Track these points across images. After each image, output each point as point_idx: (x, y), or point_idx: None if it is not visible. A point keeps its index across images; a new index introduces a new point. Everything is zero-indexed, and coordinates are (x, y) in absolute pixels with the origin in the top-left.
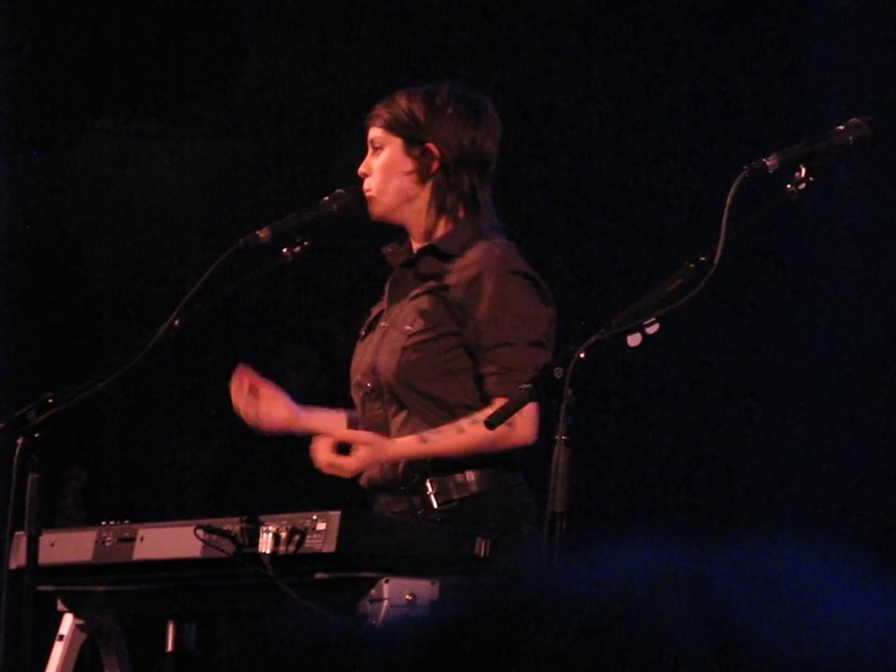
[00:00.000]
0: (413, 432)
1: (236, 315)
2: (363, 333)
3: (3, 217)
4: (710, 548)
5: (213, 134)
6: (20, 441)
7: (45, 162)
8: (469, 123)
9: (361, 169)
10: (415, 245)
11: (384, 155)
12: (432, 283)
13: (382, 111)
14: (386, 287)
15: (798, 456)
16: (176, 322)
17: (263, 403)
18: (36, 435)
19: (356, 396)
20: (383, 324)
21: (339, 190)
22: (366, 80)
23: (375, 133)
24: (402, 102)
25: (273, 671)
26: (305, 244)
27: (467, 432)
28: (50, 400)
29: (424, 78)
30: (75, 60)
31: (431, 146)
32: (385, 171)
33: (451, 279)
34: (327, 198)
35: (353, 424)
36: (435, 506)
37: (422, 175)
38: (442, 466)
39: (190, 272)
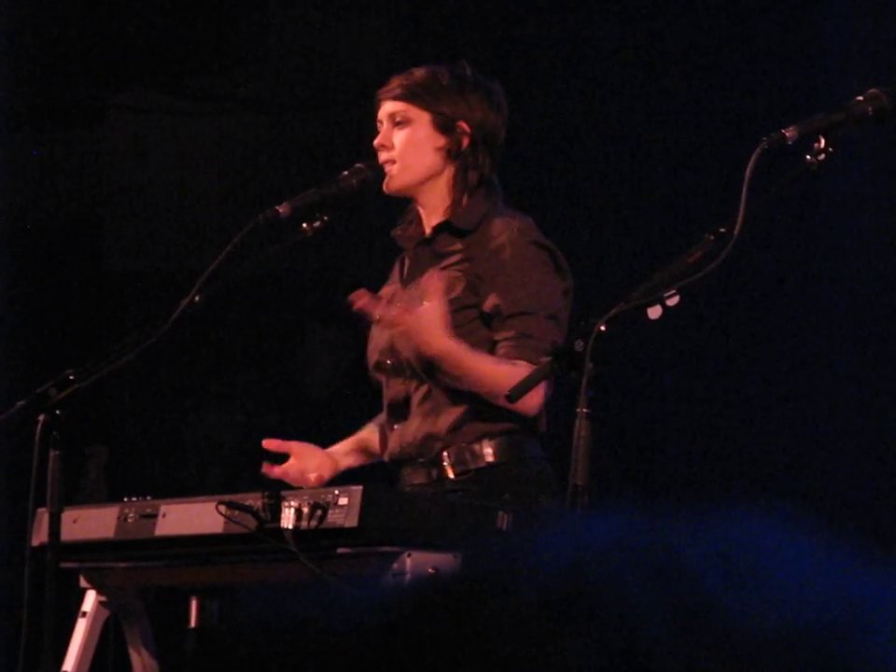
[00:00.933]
0: (433, 406)
1: (259, 290)
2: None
3: (24, 194)
4: (673, 520)
5: (233, 110)
6: (41, 417)
7: (63, 140)
8: (493, 107)
9: (380, 140)
10: (429, 222)
11: (411, 130)
12: (449, 259)
13: (407, 85)
14: (396, 268)
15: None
16: (197, 298)
17: (303, 464)
18: (58, 412)
19: (377, 375)
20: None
21: (358, 165)
22: (384, 55)
23: (398, 106)
24: (430, 78)
25: (291, 644)
26: (325, 219)
27: (502, 366)
28: (71, 377)
29: (439, 57)
30: (95, 37)
31: (463, 123)
32: (415, 146)
33: (468, 254)
34: (346, 172)
35: (367, 444)
36: (452, 476)
37: (452, 152)
38: (460, 436)
39: (210, 247)
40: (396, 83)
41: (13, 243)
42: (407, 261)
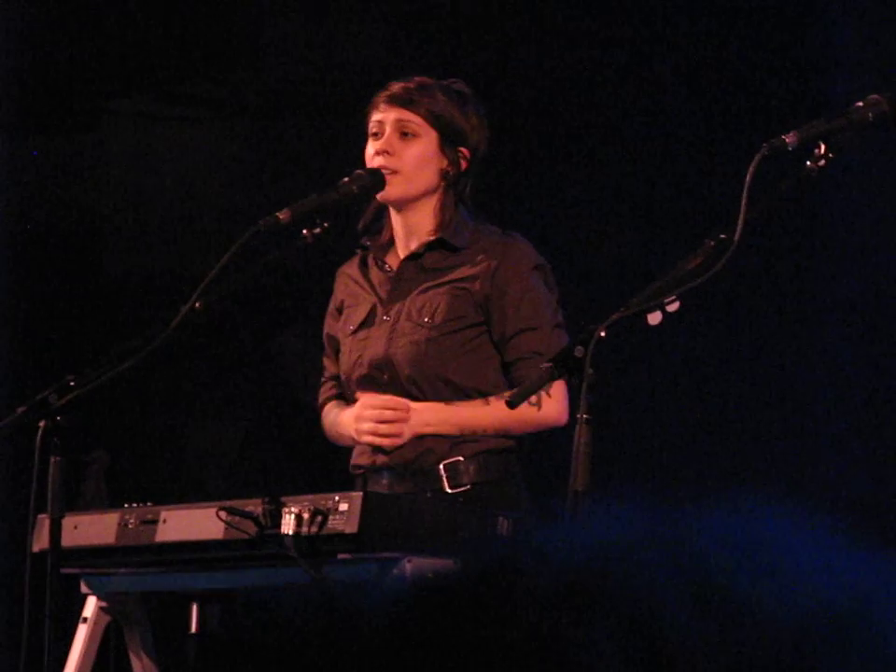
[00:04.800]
0: None
1: (260, 296)
2: (353, 328)
3: (21, 200)
4: (687, 509)
5: (231, 116)
6: (41, 423)
7: (62, 145)
8: (485, 129)
9: (383, 146)
10: (410, 238)
11: (420, 144)
12: (447, 275)
13: (416, 95)
14: (358, 279)
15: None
16: (197, 304)
17: None
18: (58, 418)
19: (362, 388)
20: (385, 318)
21: (358, 171)
22: (383, 61)
23: (406, 115)
24: (439, 94)
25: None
26: (325, 225)
27: (492, 405)
28: (72, 383)
29: (431, 59)
30: (91, 42)
31: (465, 150)
32: (421, 161)
33: (466, 271)
34: (346, 179)
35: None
36: (448, 490)
37: (449, 174)
38: (456, 451)
39: (209, 254)
40: (402, 90)
41: (13, 248)
42: (377, 273)
